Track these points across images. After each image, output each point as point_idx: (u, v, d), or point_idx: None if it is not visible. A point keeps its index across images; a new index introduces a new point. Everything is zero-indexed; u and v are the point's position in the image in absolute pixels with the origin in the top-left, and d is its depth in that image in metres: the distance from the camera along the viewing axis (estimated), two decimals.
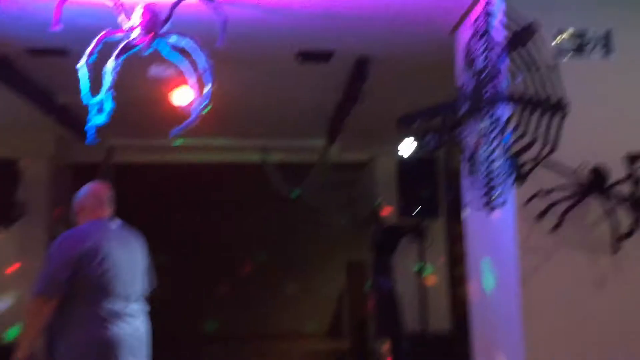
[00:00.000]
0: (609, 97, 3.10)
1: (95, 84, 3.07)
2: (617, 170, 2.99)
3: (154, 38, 2.99)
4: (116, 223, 3.20)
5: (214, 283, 10.08)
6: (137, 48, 3.01)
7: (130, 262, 3.09)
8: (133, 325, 2.98)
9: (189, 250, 9.87)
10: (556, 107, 3.02)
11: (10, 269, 6.65)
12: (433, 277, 6.91)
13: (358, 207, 7.44)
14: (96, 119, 3.01)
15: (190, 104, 3.19)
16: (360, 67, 4.58)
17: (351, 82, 4.90)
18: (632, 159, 3.01)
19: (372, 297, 7.66)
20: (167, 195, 9.10)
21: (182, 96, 4.09)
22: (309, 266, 10.42)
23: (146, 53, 3.06)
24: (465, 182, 3.57)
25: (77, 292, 2.86)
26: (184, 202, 9.53)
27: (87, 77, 3.04)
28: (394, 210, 6.97)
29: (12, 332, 6.28)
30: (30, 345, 2.89)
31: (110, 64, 3.01)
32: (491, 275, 3.33)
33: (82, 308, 2.88)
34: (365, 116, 5.71)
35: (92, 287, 2.89)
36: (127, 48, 3.00)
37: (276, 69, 4.86)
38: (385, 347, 6.97)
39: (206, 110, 3.12)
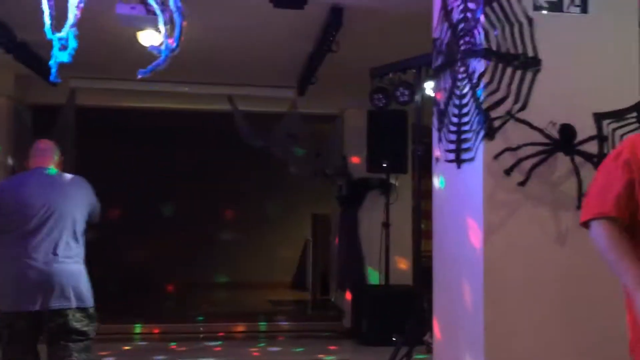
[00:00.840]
0: (582, 56, 3.10)
1: (59, 20, 2.93)
2: (584, 129, 3.02)
3: None
4: (48, 171, 3.34)
5: (175, 233, 10.04)
6: None
7: (54, 206, 3.20)
8: (49, 265, 3.14)
9: (151, 198, 9.77)
10: (529, 64, 3.03)
11: None
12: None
13: (326, 160, 7.43)
14: (59, 56, 2.88)
15: (159, 45, 3.08)
16: (335, 16, 4.49)
17: (324, 31, 4.81)
18: (599, 118, 3.05)
19: (336, 250, 7.74)
20: (129, 140, 8.93)
21: (150, 37, 3.95)
22: (274, 217, 10.45)
23: None
24: (435, 136, 3.58)
25: (1, 229, 3.19)
26: (148, 149, 9.38)
27: (50, 12, 2.90)
28: (361, 164, 6.98)
29: None
30: None
31: None
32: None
33: (3, 244, 3.18)
34: (337, 68, 5.65)
35: (7, 225, 3.17)
36: None
37: (248, 13, 4.74)
38: (347, 298, 7.09)
39: (175, 51, 3.02)
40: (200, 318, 7.07)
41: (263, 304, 8.85)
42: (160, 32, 3.05)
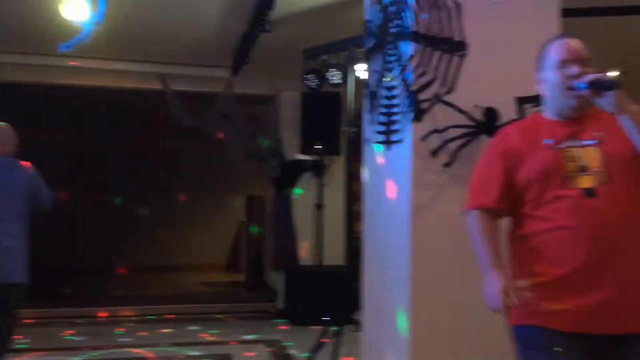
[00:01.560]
0: (506, 41, 3.19)
1: None
2: (508, 112, 3.12)
3: None
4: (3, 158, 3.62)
5: (108, 214, 9.80)
6: None
7: (4, 189, 3.52)
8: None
9: (78, 179, 9.47)
10: (456, 48, 3.09)
11: None
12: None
13: (260, 141, 7.38)
14: None
15: (83, 18, 2.98)
16: None
17: (257, 10, 4.76)
18: (521, 102, 3.15)
19: (269, 231, 7.74)
20: (57, 120, 8.60)
21: (74, 9, 3.79)
22: (208, 199, 10.35)
23: None
24: (366, 118, 3.61)
25: None
26: (78, 128, 9.06)
27: None
28: (296, 145, 6.98)
29: None
30: None
31: None
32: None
33: None
34: (272, 48, 5.60)
35: None
36: None
37: None
38: (280, 280, 7.12)
39: (100, 25, 2.93)
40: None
41: (194, 287, 8.78)
42: (84, 4, 2.96)
